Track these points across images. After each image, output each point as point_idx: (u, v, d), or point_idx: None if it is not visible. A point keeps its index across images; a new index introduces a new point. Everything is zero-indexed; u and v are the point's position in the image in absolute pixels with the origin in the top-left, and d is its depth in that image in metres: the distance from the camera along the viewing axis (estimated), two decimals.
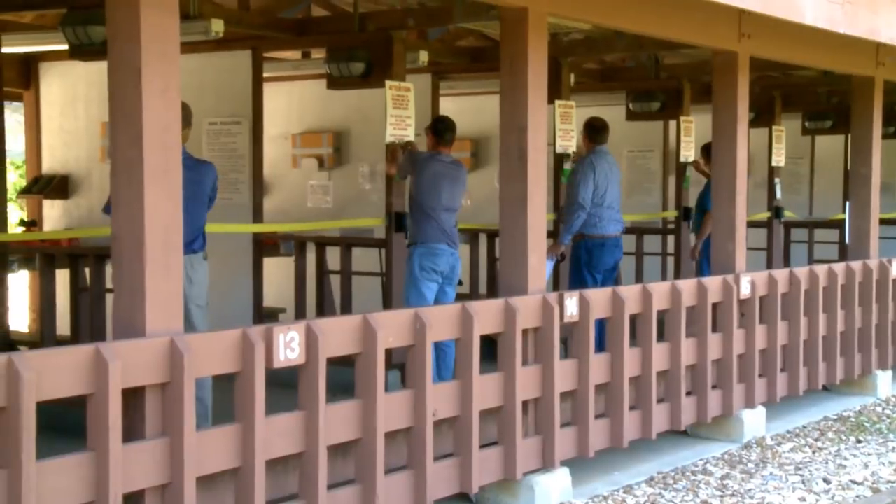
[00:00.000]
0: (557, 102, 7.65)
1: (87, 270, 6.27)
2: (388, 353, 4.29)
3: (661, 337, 5.85)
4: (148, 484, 3.44)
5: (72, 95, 8.53)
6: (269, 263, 7.77)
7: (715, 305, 6.25)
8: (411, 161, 6.42)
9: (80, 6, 5.79)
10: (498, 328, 4.81)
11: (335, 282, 7.46)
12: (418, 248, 6.35)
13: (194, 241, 5.17)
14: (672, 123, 9.64)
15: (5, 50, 6.44)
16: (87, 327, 6.11)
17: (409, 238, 6.50)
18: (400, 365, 5.83)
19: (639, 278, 9.12)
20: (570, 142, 7.76)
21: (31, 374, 3.11)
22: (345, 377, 4.31)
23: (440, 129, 6.50)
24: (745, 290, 6.44)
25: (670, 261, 9.65)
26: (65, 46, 6.15)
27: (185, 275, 5.06)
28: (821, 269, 7.24)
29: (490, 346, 4.86)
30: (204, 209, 5.27)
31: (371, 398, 4.12)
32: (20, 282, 9.40)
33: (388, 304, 7.00)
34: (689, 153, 8.85)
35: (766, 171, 10.20)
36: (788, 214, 10.57)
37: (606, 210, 7.29)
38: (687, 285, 6.04)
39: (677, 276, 8.99)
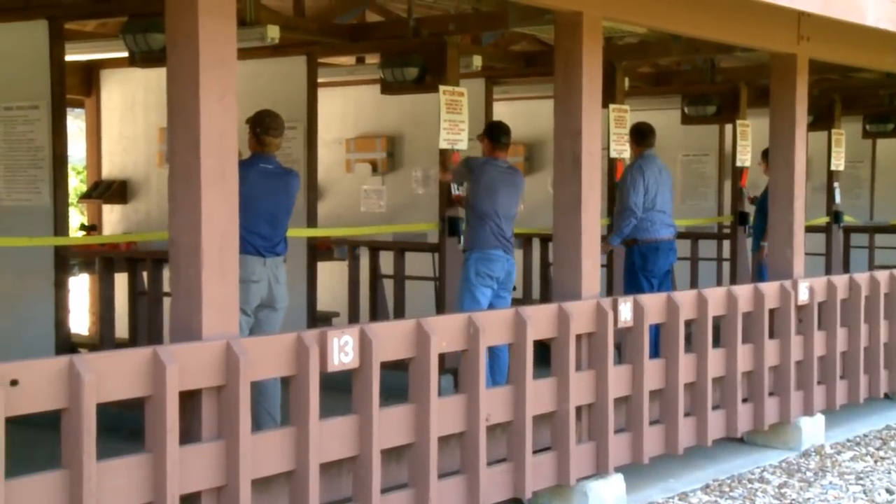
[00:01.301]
0: (612, 107, 7.60)
1: (144, 274, 6.37)
2: (442, 357, 4.29)
3: (716, 343, 5.79)
4: (204, 486, 3.48)
5: (131, 101, 8.67)
6: (323, 268, 7.82)
7: (772, 311, 6.16)
8: (467, 167, 6.41)
9: (141, 14, 5.89)
10: (551, 333, 4.79)
11: (388, 286, 7.49)
12: (474, 254, 6.35)
13: (278, 244, 5.41)
14: (728, 127, 9.53)
15: (68, 58, 6.56)
16: (145, 330, 6.20)
17: (465, 244, 6.50)
18: (453, 369, 5.84)
19: (694, 283, 9.02)
20: (624, 146, 7.71)
21: (91, 376, 3.16)
22: (398, 381, 4.33)
23: (496, 134, 6.49)
24: (804, 296, 6.34)
25: (726, 266, 9.54)
26: (125, 54, 6.25)
27: (273, 275, 5.26)
28: (882, 275, 7.10)
29: (544, 351, 4.84)
30: (288, 216, 5.52)
31: (424, 402, 4.12)
32: (81, 285, 9.58)
33: (441, 308, 7.01)
34: (745, 157, 8.74)
35: (825, 175, 10.03)
36: (848, 219, 10.39)
37: (657, 214, 7.23)
38: (743, 291, 5.97)
39: (733, 281, 8.88)
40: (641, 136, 7.36)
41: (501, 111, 8.94)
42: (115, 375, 3.27)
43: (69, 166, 6.97)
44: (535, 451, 4.65)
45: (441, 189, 6.91)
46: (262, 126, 5.37)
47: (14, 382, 3.03)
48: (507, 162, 6.56)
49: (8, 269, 6.32)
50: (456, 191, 6.69)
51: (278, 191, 5.40)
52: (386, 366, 4.00)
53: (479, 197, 6.33)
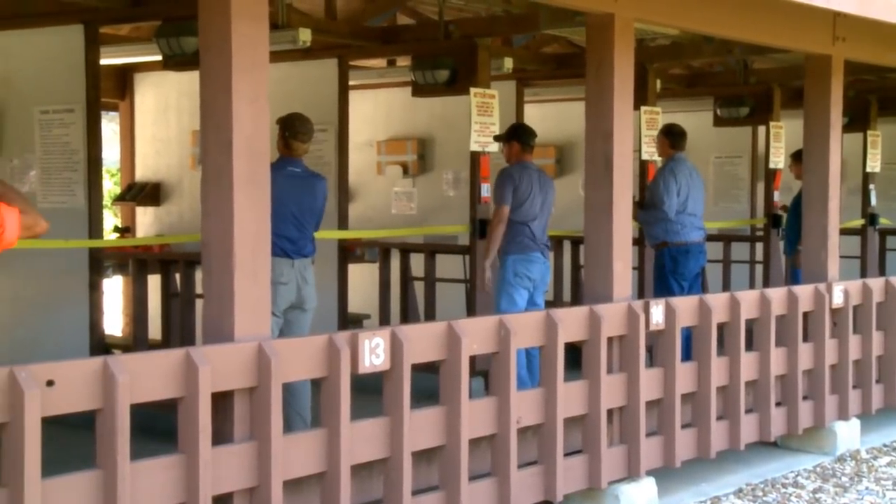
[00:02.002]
0: (643, 109, 7.57)
1: (177, 276, 6.41)
2: (472, 359, 4.28)
3: (749, 346, 5.74)
4: (236, 486, 3.50)
5: (164, 105, 8.75)
6: (354, 270, 7.84)
7: (806, 315, 6.10)
8: (508, 178, 6.36)
9: (174, 18, 5.93)
10: (582, 336, 4.77)
11: (419, 288, 7.49)
12: (511, 256, 6.35)
13: (306, 246, 5.46)
14: (761, 129, 9.45)
15: (103, 61, 6.63)
16: (178, 332, 6.24)
17: (503, 246, 6.47)
18: (483, 372, 5.84)
19: (726, 286, 8.95)
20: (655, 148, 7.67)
21: (125, 377, 3.19)
22: (429, 383, 4.33)
23: (526, 137, 6.47)
24: (838, 299, 6.27)
25: (759, 268, 9.46)
26: (159, 57, 6.31)
27: (301, 277, 5.30)
28: None
29: (575, 354, 4.82)
30: (314, 218, 5.56)
31: (455, 405, 4.12)
32: (114, 287, 9.66)
33: (471, 310, 7.00)
34: (778, 159, 8.67)
35: (860, 177, 9.93)
36: (884, 222, 10.27)
37: (688, 217, 7.19)
38: (777, 294, 5.91)
39: (766, 284, 8.80)
40: (676, 138, 7.32)
41: (532, 113, 8.92)
42: (148, 376, 3.30)
43: (103, 169, 7.03)
44: (566, 454, 4.64)
45: (472, 191, 6.90)
46: (291, 130, 5.42)
47: (50, 383, 3.06)
48: (535, 164, 6.55)
49: (43, 270, 6.38)
50: (486, 193, 6.68)
51: (303, 194, 5.44)
52: (417, 368, 4.00)
53: (518, 201, 6.32)
